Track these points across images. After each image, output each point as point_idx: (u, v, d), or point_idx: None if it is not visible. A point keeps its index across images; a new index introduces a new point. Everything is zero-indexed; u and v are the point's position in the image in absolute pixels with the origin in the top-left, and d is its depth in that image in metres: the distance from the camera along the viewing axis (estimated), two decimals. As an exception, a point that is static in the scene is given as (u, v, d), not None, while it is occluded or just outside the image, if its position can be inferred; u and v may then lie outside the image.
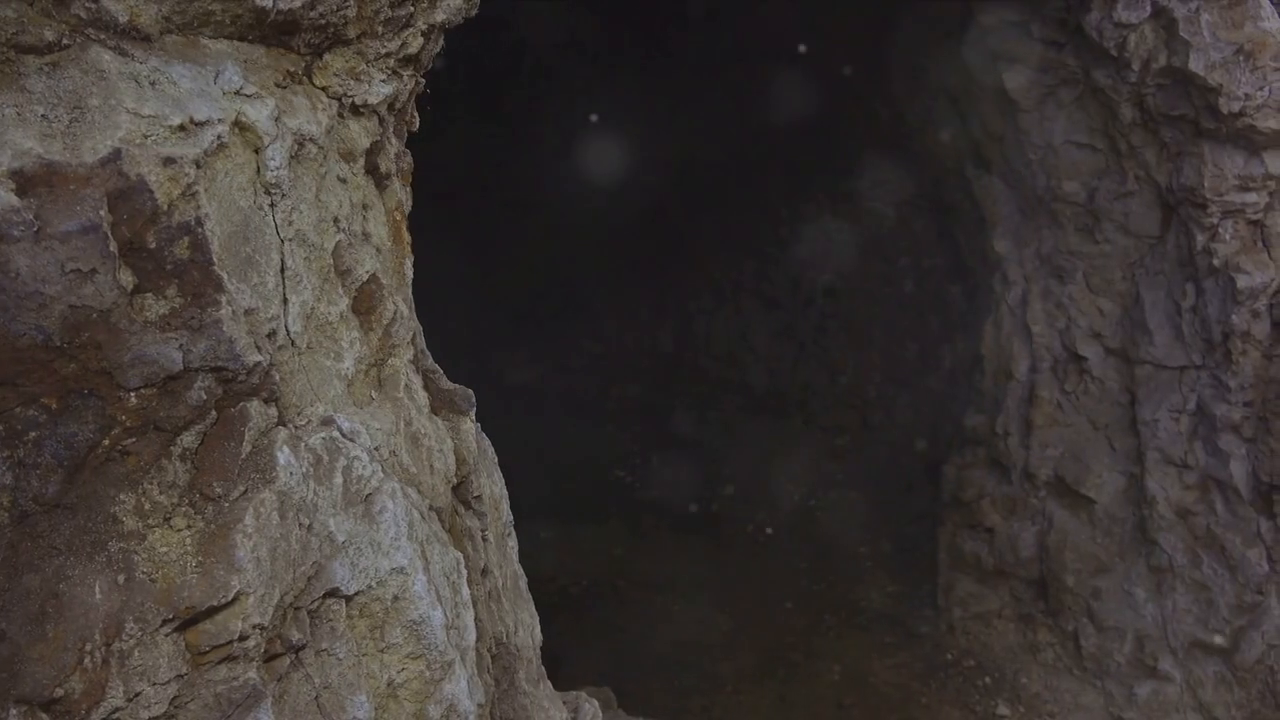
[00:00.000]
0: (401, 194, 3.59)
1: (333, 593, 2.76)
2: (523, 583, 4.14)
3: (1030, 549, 9.35)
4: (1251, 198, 7.47)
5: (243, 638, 2.46)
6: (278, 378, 2.71)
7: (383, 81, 3.32)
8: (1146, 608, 8.45)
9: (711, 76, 14.70)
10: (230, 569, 2.45)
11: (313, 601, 2.70)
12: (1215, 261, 7.63)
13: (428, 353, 4.00)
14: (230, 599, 2.44)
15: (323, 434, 2.82)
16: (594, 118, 15.62)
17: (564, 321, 18.42)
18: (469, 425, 3.78)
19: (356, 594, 2.83)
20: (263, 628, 2.50)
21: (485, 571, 3.69)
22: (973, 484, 9.90)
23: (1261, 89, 7.16)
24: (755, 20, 13.32)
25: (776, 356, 15.82)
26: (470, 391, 3.87)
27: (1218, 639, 7.99)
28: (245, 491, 2.55)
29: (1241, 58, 7.15)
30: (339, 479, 2.82)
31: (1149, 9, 7.51)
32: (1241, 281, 7.48)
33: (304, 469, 2.69)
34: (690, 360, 17.31)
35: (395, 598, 2.92)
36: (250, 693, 2.48)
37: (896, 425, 13.56)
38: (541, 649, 9.96)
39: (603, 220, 17.23)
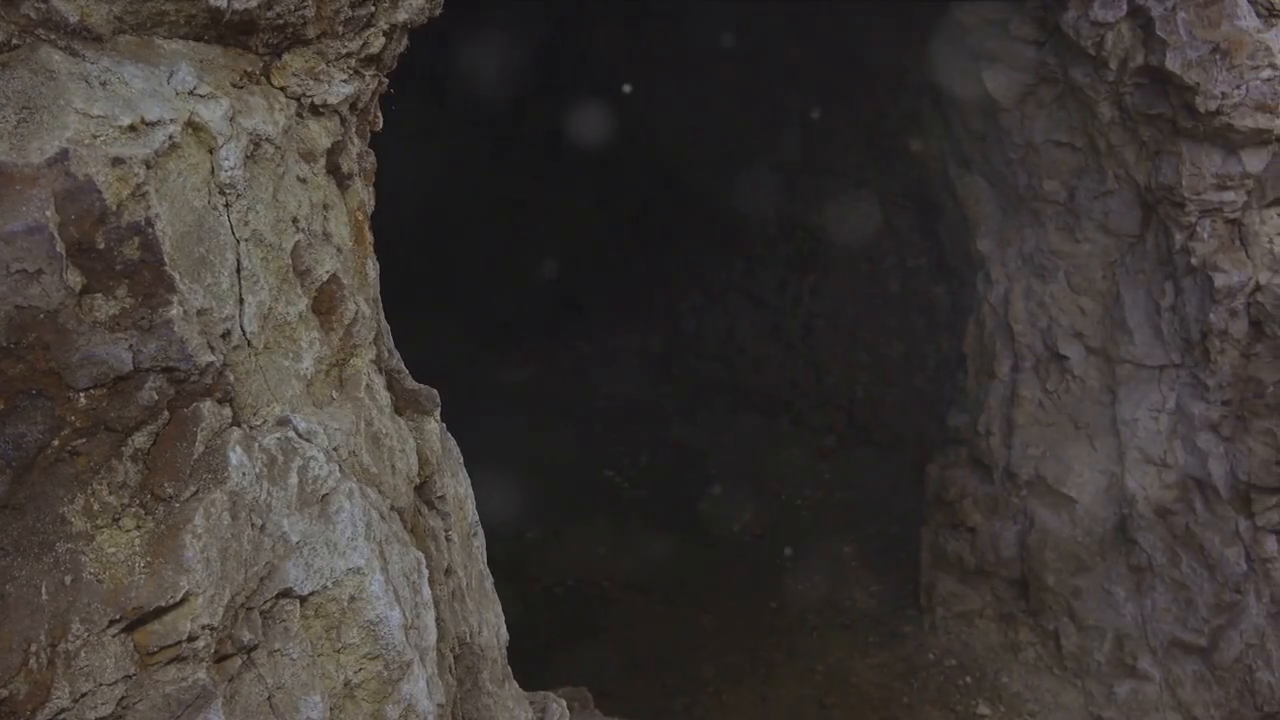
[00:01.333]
0: (364, 194, 3.59)
1: (286, 593, 2.75)
2: (488, 582, 4.14)
3: (1011, 548, 9.35)
4: (1229, 196, 7.47)
5: (192, 638, 2.46)
6: (232, 378, 2.71)
7: (344, 81, 3.31)
8: (1126, 607, 8.46)
9: (698, 76, 14.71)
10: (179, 569, 2.44)
11: (265, 602, 2.70)
12: (1193, 260, 7.63)
13: (395, 352, 4.00)
14: (179, 599, 2.43)
15: (278, 434, 2.82)
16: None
17: (555, 322, 18.44)
18: (433, 425, 3.78)
19: (311, 594, 2.82)
20: (212, 628, 2.50)
21: (449, 571, 3.69)
22: (955, 483, 9.90)
23: (1238, 87, 7.16)
24: (742, 19, 13.32)
25: (765, 356, 15.83)
26: (434, 391, 3.86)
27: (1197, 638, 8.00)
28: (196, 492, 2.54)
29: (1218, 56, 7.15)
30: (294, 479, 2.82)
31: (1125, 8, 7.51)
32: (1219, 280, 7.48)
33: (257, 469, 2.69)
34: (680, 360, 17.32)
35: (352, 598, 2.91)
36: (200, 693, 2.47)
37: (883, 425, 13.58)
38: (525, 649, 9.93)
39: (593, 221, 17.27)
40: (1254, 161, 7.38)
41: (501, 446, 14.32)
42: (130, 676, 2.39)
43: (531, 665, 9.48)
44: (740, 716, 9.19)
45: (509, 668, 4.14)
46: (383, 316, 4.01)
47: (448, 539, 3.73)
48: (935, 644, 9.82)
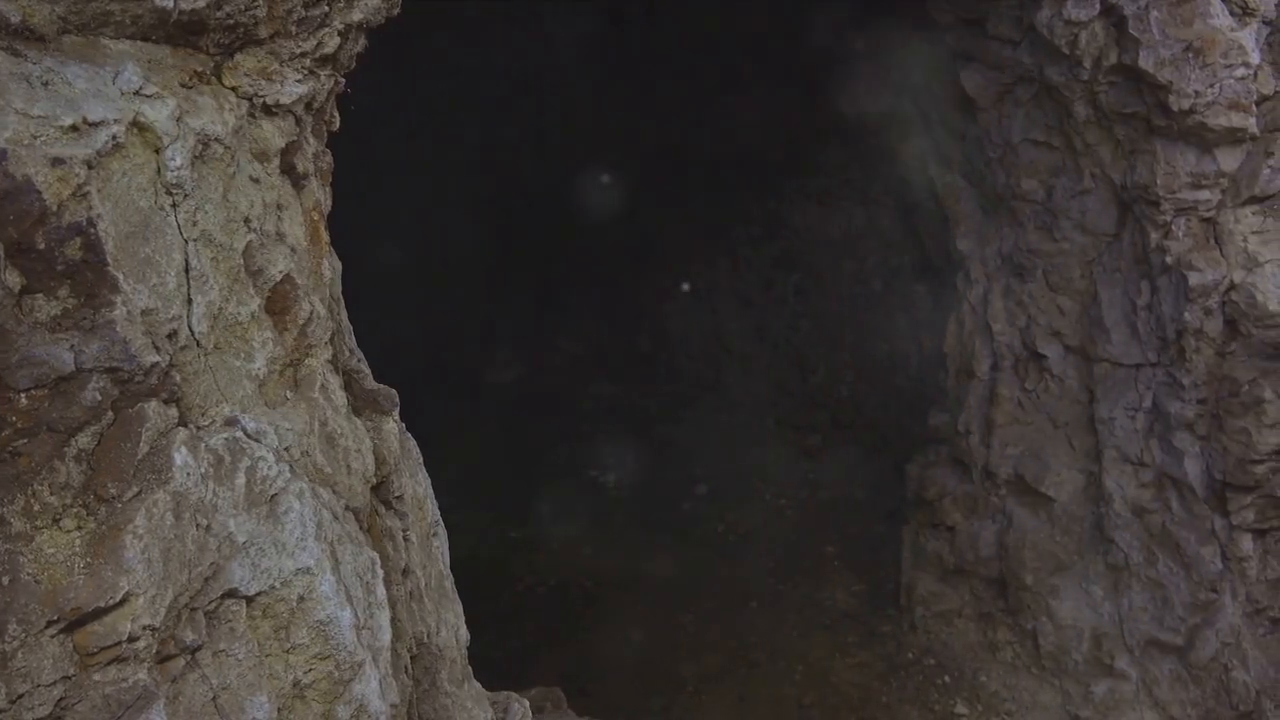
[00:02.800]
0: (320, 194, 3.58)
1: (231, 593, 2.75)
2: (448, 582, 4.13)
3: (990, 547, 9.36)
4: (1204, 195, 7.47)
5: (132, 639, 2.45)
6: (178, 378, 2.71)
7: (298, 81, 3.31)
8: (1104, 606, 8.46)
9: (683, 76, 14.71)
10: (119, 570, 2.44)
11: (210, 602, 2.69)
12: (1168, 259, 7.63)
13: (357, 352, 3.99)
14: (119, 600, 2.43)
15: (225, 434, 2.82)
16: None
17: (543, 322, 18.44)
18: (392, 425, 3.77)
19: (258, 594, 2.82)
20: (154, 629, 2.49)
21: (407, 571, 3.69)
22: (935, 483, 9.90)
23: (1212, 86, 7.16)
24: (724, 19, 13.32)
25: (750, 356, 15.84)
26: (393, 391, 3.86)
27: (1173, 637, 8.00)
28: (139, 493, 2.54)
29: (1191, 55, 7.15)
30: (241, 479, 2.81)
31: (1098, 6, 7.51)
32: (1193, 279, 7.48)
33: (203, 469, 2.68)
34: (666, 360, 17.33)
35: (301, 598, 2.91)
36: (141, 694, 2.47)
37: (867, 424, 13.59)
38: (507, 648, 9.90)
39: (579, 221, 17.26)
40: (1228, 160, 7.38)
41: (488, 447, 14.36)
42: (69, 677, 2.39)
43: (512, 665, 9.53)
44: (718, 716, 9.19)
45: (469, 667, 4.13)
46: (345, 316, 4.00)
47: (406, 539, 3.73)
48: (915, 643, 9.82)
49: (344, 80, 3.68)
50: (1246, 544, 7.63)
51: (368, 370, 3.95)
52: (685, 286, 16.90)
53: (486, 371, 17.88)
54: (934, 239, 11.05)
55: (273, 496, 2.89)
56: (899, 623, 10.16)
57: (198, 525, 2.64)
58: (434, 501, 4.11)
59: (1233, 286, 7.46)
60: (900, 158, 11.18)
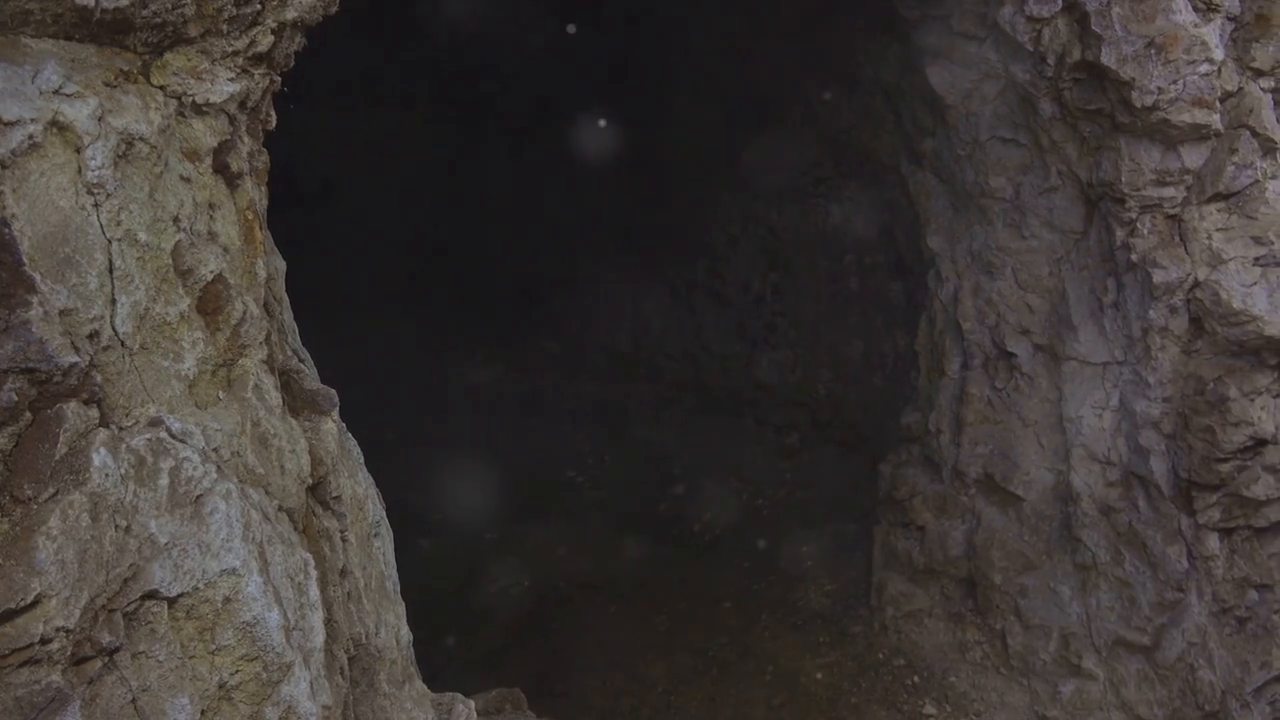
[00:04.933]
0: (255, 193, 3.56)
1: (152, 594, 2.73)
2: (389, 583, 4.11)
3: (959, 547, 9.34)
4: (1169, 192, 7.45)
5: (45, 641, 2.43)
6: (99, 379, 2.69)
7: (230, 80, 3.30)
8: (1071, 605, 8.45)
9: (662, 76, 14.71)
10: (31, 572, 2.42)
11: (129, 604, 2.67)
12: (1134, 257, 7.61)
13: (301, 352, 3.98)
14: (30, 602, 2.41)
15: (148, 435, 2.80)
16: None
17: (523, 321, 18.43)
18: (330, 425, 3.76)
19: (180, 596, 2.80)
20: (68, 630, 2.47)
21: (344, 572, 3.67)
22: (906, 482, 9.89)
23: (1175, 82, 7.15)
24: (702, 20, 13.32)
25: (730, 355, 15.84)
26: (333, 391, 3.84)
27: (1140, 637, 7.99)
28: (55, 494, 2.53)
29: (1153, 51, 7.13)
30: (165, 480, 2.79)
31: (1060, 3, 7.47)
32: (1158, 277, 7.46)
33: (123, 470, 2.66)
34: (647, 359, 17.31)
35: (226, 599, 2.89)
36: (55, 695, 2.45)
37: (844, 423, 13.57)
38: (479, 649, 9.85)
39: (560, 220, 17.26)
40: (1192, 157, 7.37)
41: (466, 447, 14.34)
42: (-22, 680, 2.37)
43: (483, 666, 9.53)
44: (688, 717, 9.17)
45: (412, 668, 4.12)
46: (288, 316, 3.99)
47: (344, 539, 3.71)
48: (885, 644, 9.80)
49: (280, 79, 3.67)
50: (1212, 543, 7.62)
51: (310, 370, 3.93)
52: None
53: (465, 371, 17.87)
54: (907, 237, 11.05)
55: (198, 497, 2.88)
56: (870, 623, 10.13)
57: (116, 526, 2.63)
58: (376, 502, 4.09)
59: (1197, 284, 7.44)
60: (874, 155, 11.19)
